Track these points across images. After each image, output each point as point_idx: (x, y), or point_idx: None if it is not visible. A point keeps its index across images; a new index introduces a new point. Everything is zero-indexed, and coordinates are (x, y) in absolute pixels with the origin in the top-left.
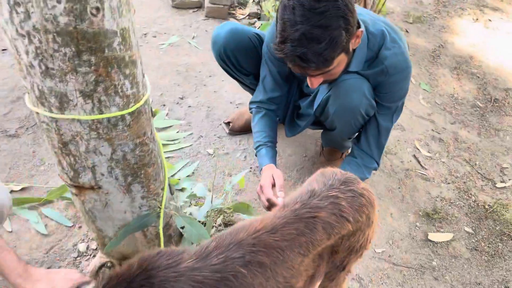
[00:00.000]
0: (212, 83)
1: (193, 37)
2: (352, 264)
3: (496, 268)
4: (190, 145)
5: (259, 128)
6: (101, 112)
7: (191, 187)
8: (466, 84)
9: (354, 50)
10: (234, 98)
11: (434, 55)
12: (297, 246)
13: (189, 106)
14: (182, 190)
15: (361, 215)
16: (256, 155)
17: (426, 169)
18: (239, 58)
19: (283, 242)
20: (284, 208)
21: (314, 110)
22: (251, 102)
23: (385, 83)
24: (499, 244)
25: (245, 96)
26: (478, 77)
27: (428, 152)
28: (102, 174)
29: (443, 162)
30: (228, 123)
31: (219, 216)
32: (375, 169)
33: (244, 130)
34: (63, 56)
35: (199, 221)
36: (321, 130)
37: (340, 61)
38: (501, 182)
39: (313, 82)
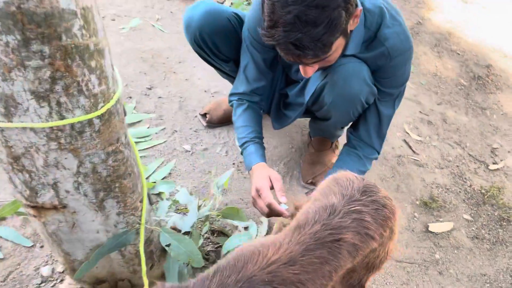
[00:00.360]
0: (182, 70)
1: (157, 19)
2: (369, 280)
3: (499, 256)
4: (164, 141)
5: (243, 123)
6: (61, 118)
7: (169, 191)
8: (448, 62)
9: (351, 32)
10: (208, 86)
11: (413, 32)
12: (319, 277)
13: (159, 97)
14: (159, 195)
15: (385, 229)
16: (241, 153)
17: (418, 154)
18: (217, 43)
19: (303, 275)
20: (300, 230)
21: (306, 100)
22: (231, 94)
23: (387, 67)
24: (499, 230)
25: (221, 84)
26: (459, 54)
27: (418, 136)
28: (67, 192)
29: (434, 145)
30: (204, 115)
31: (205, 224)
32: (376, 159)
33: (223, 121)
34: (5, 47)
35: (185, 232)
36: (308, 118)
37: (338, 45)
38: (493, 163)
39: (307, 71)
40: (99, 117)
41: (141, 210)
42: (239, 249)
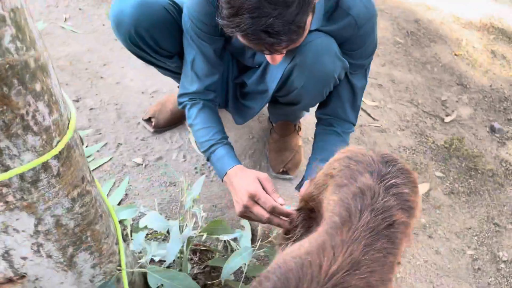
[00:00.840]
0: (110, 73)
1: (65, 20)
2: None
3: (477, 207)
4: (110, 158)
5: (202, 124)
6: (5, 169)
7: (132, 216)
8: (380, 22)
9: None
10: (145, 87)
11: None
12: (386, 272)
13: (91, 109)
14: (121, 222)
15: (417, 196)
16: (208, 159)
17: (377, 120)
18: (157, 37)
19: (372, 276)
20: (348, 224)
21: (273, 87)
22: (180, 95)
23: (355, 37)
24: (470, 180)
25: (159, 81)
26: (387, 13)
27: (373, 101)
28: (24, 258)
29: (390, 108)
30: (149, 120)
31: (189, 247)
32: (352, 131)
33: (172, 123)
34: None
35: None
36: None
37: (308, 23)
38: (446, 116)
39: (276, 58)
40: (56, 156)
41: (119, 253)
42: (277, 266)
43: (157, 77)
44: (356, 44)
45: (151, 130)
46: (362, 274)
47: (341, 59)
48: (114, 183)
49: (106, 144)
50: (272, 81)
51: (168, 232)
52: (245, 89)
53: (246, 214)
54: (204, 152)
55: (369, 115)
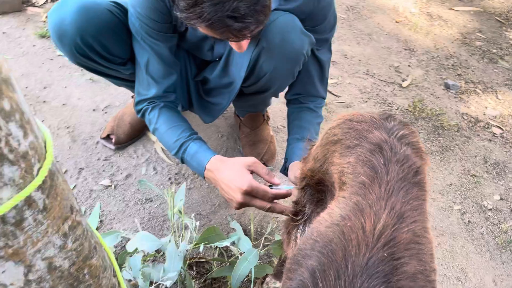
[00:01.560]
0: (53, 96)
1: None
2: None
3: (452, 162)
4: (73, 186)
5: (167, 126)
6: None
7: (115, 242)
8: None
9: None
10: (95, 103)
11: None
12: (425, 218)
13: None
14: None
15: (422, 144)
16: (182, 160)
17: (340, 96)
18: (106, 44)
19: (416, 225)
20: (377, 181)
21: (241, 77)
22: (138, 103)
23: (316, 12)
24: (440, 138)
25: (110, 95)
26: None
27: (331, 78)
28: None
29: (349, 83)
30: (108, 137)
31: (185, 261)
32: (324, 105)
33: (133, 136)
34: None
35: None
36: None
37: (270, 2)
38: (403, 81)
39: (243, 45)
40: (40, 187)
41: (119, 286)
42: (314, 241)
43: (106, 91)
44: (319, 19)
45: (113, 147)
46: (408, 225)
47: (307, 34)
48: (85, 212)
49: (66, 171)
50: (238, 71)
51: (157, 251)
52: (208, 86)
53: (239, 207)
54: (175, 154)
55: (331, 92)
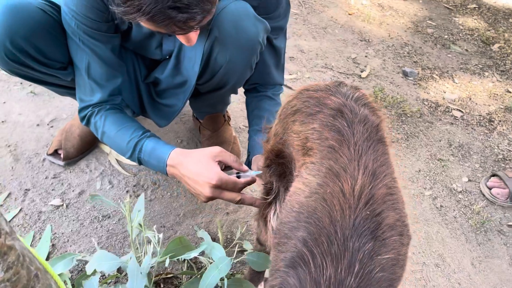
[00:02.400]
0: None
1: None
2: None
3: (417, 148)
4: (19, 210)
5: (116, 128)
6: None
7: (69, 267)
8: None
9: None
10: (39, 118)
11: None
12: (392, 170)
13: None
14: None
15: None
16: (139, 162)
17: None
18: (41, 46)
19: (387, 178)
20: (345, 144)
21: (195, 72)
22: (81, 109)
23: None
24: (404, 126)
25: (55, 108)
26: None
27: (290, 74)
28: None
29: (308, 77)
30: (55, 153)
31: (151, 278)
32: (283, 91)
33: (84, 149)
34: None
35: None
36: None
37: None
38: (362, 72)
39: (192, 37)
40: None
41: None
42: (297, 212)
43: (51, 103)
44: (272, 5)
45: (62, 163)
46: (382, 181)
47: (261, 20)
48: (34, 236)
49: (9, 194)
50: (192, 68)
51: (119, 271)
52: (160, 87)
53: (206, 200)
54: (130, 156)
55: (290, 88)
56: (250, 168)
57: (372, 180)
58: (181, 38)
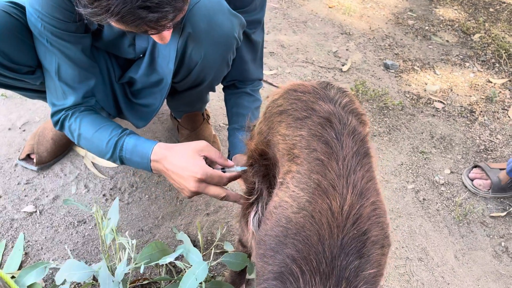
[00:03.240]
0: None
1: None
2: None
3: (400, 141)
4: None
5: (94, 128)
6: None
7: (42, 276)
8: None
9: None
10: (11, 121)
11: None
12: (376, 184)
13: None
14: None
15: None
16: (121, 161)
17: (281, 87)
18: (6, 50)
19: (375, 196)
20: (330, 159)
21: (170, 70)
22: (54, 113)
23: None
24: (385, 119)
25: (27, 110)
26: None
27: (270, 69)
28: None
29: (289, 72)
30: (28, 157)
31: (126, 286)
32: (262, 86)
33: (58, 153)
34: None
35: None
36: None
37: None
38: (343, 65)
39: (165, 36)
40: None
41: None
42: (285, 228)
43: (23, 106)
44: None
45: (35, 168)
46: (368, 199)
47: (235, 15)
48: (6, 245)
49: None
50: (167, 65)
51: (95, 279)
52: (136, 86)
53: (191, 195)
54: (111, 156)
55: (271, 84)
56: None
57: (360, 200)
58: (154, 37)
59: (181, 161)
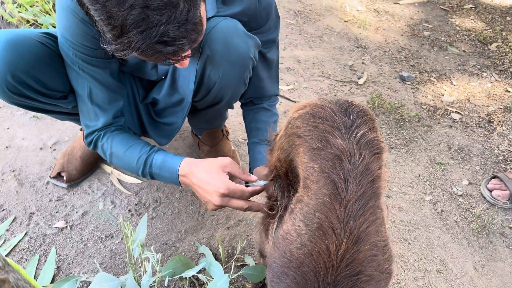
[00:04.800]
0: None
1: None
2: None
3: (417, 153)
4: (25, 233)
5: (124, 147)
6: None
7: None
8: None
9: None
10: (42, 141)
11: None
12: (379, 225)
13: None
14: None
15: (378, 131)
16: (152, 176)
17: (298, 102)
18: (41, 78)
19: (375, 237)
20: (334, 201)
21: (191, 90)
22: (88, 135)
23: (259, 13)
24: (402, 131)
25: (57, 131)
26: None
27: (287, 85)
28: None
29: (306, 87)
30: (59, 175)
31: None
32: (278, 101)
33: (86, 171)
34: None
35: None
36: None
37: (203, 14)
38: (359, 79)
39: (184, 62)
40: None
41: None
42: (287, 260)
43: (53, 127)
44: (262, 19)
45: (65, 185)
46: (365, 244)
47: (251, 36)
48: (39, 259)
49: (14, 219)
50: (187, 86)
51: None
52: (159, 106)
53: (215, 208)
54: (142, 172)
55: (288, 99)
56: None
57: (355, 246)
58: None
59: (206, 177)
